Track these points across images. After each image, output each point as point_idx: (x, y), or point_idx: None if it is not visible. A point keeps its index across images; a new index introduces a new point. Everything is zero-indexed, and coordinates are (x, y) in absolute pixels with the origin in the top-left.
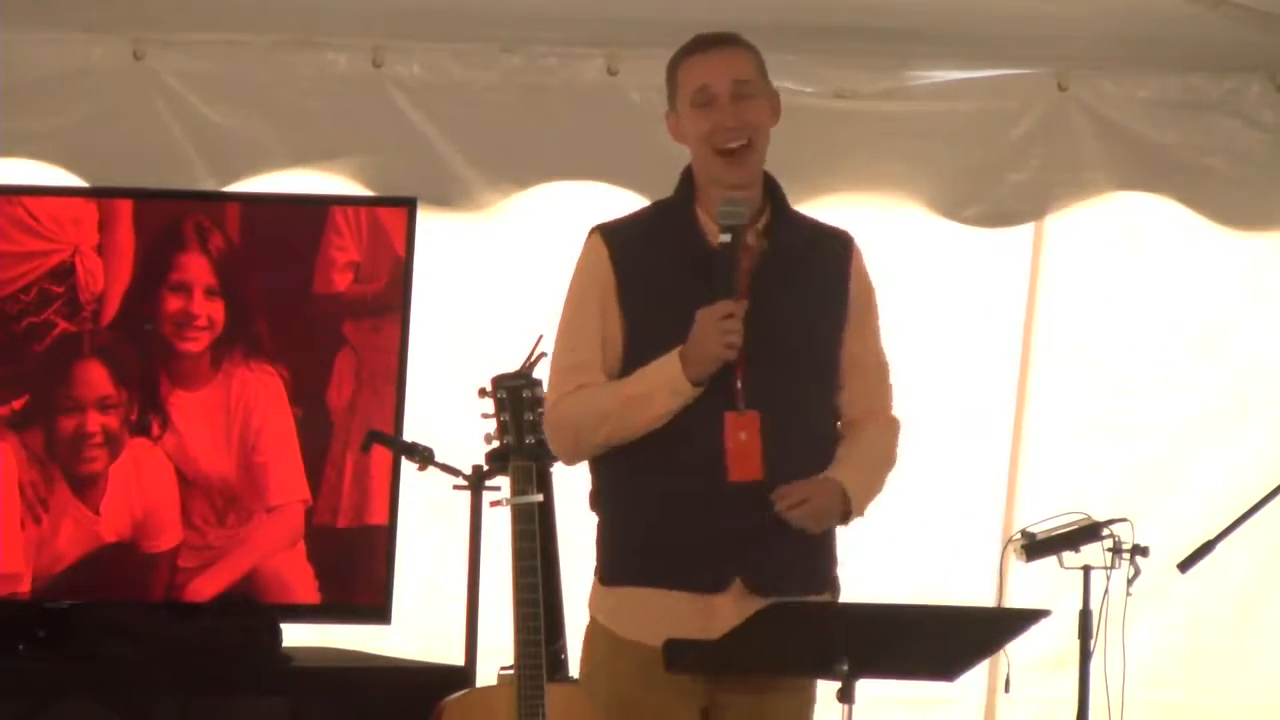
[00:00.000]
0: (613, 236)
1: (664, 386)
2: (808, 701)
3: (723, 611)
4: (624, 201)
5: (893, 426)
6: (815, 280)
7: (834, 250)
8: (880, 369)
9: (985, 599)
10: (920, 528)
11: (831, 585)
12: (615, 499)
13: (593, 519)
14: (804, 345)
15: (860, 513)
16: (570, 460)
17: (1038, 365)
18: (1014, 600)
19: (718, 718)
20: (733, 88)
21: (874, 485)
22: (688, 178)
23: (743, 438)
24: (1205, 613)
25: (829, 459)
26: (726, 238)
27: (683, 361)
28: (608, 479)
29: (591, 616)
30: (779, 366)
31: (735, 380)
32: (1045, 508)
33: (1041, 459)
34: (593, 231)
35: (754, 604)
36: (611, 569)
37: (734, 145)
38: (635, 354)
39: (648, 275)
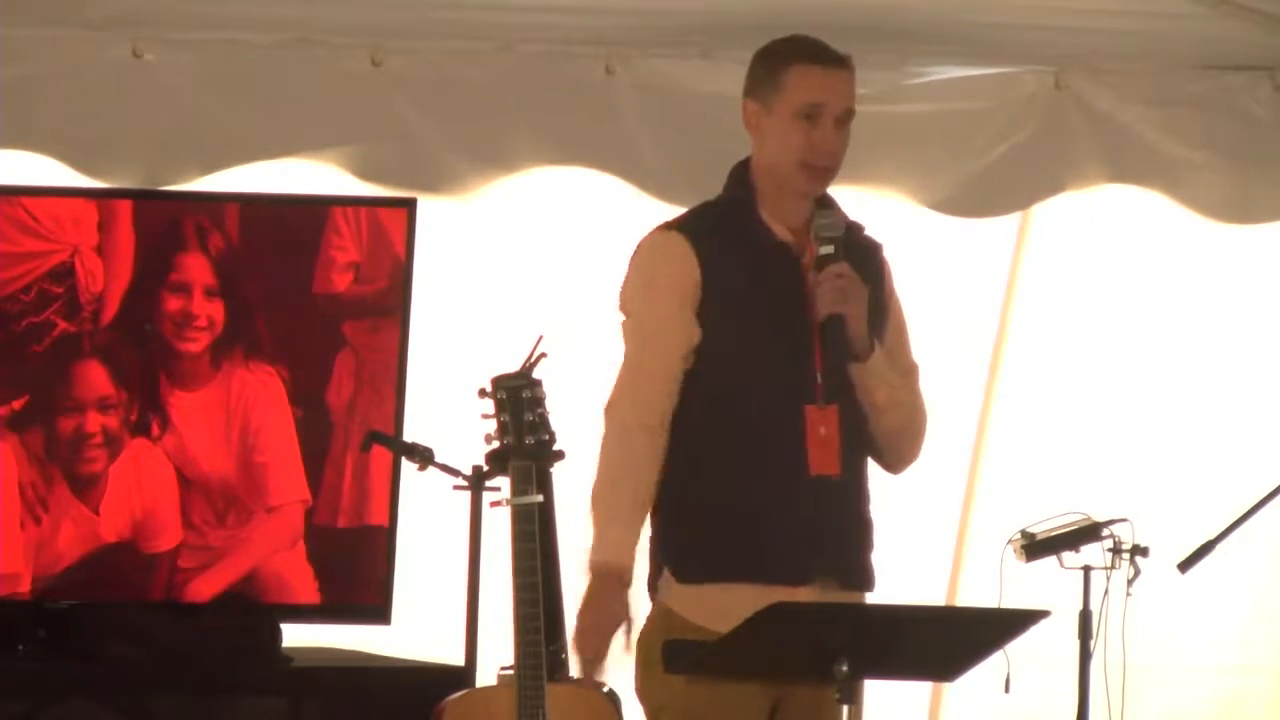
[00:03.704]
0: (691, 234)
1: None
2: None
3: None
4: (616, 188)
5: (923, 407)
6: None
7: (867, 256)
8: (911, 372)
9: (938, 596)
10: (877, 523)
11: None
12: (691, 496)
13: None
14: None
15: (871, 354)
16: None
17: (1009, 361)
18: (1008, 600)
19: (788, 706)
20: (842, 114)
21: (893, 376)
22: (741, 178)
23: (822, 432)
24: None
25: (868, 459)
26: (829, 249)
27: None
28: (680, 477)
29: (662, 604)
30: (846, 363)
31: (815, 374)
32: (1005, 506)
33: (1004, 455)
34: (667, 229)
35: (839, 597)
36: (693, 566)
37: (823, 167)
38: (707, 350)
39: (727, 273)
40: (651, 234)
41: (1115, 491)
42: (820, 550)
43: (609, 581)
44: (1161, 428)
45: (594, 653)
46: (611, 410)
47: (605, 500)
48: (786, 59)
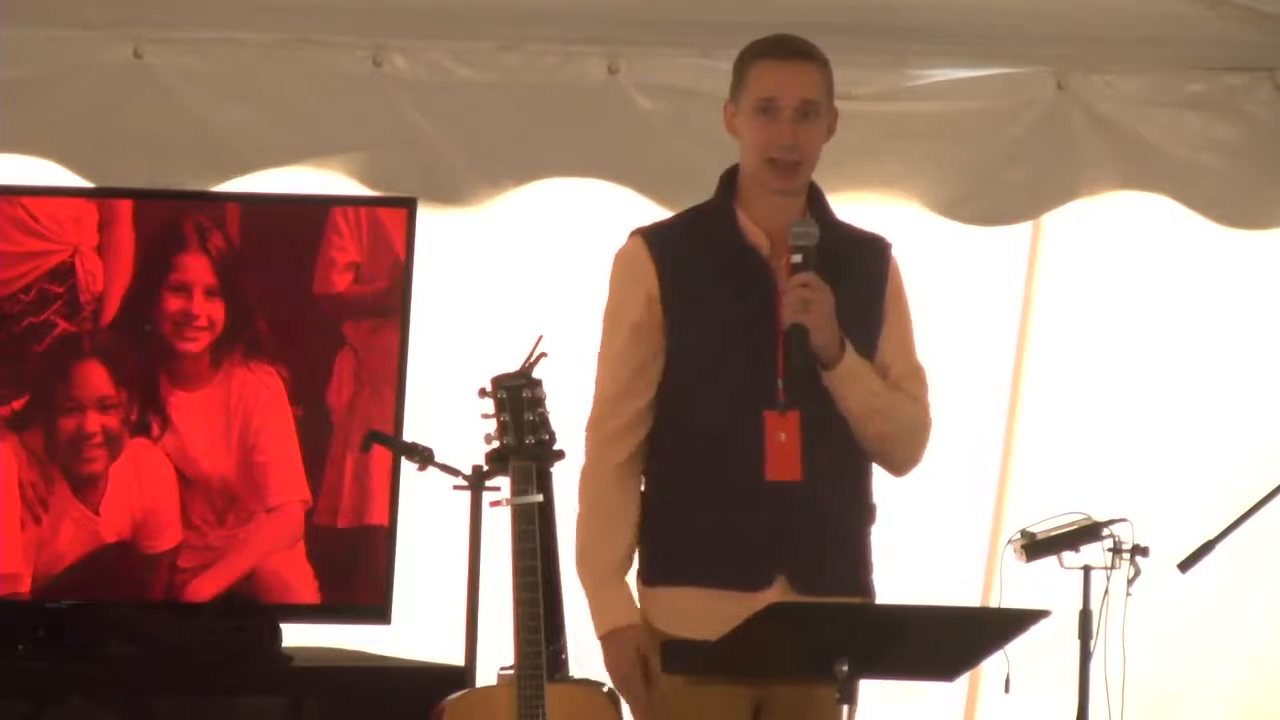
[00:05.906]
0: (654, 240)
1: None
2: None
3: None
4: (623, 199)
5: (921, 410)
6: (854, 285)
7: (872, 256)
8: (913, 374)
9: (972, 599)
10: (908, 528)
11: (867, 589)
12: (654, 500)
13: None
14: None
15: (839, 362)
16: None
17: (1032, 364)
18: (1008, 600)
19: (771, 705)
20: (799, 106)
21: (871, 382)
22: (729, 179)
23: (782, 438)
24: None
25: (863, 462)
26: (798, 258)
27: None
28: (652, 482)
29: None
30: (818, 368)
31: (776, 380)
32: (1036, 508)
33: (1033, 459)
34: (632, 234)
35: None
36: (652, 570)
37: (786, 161)
38: (674, 356)
39: (688, 276)
40: (625, 242)
41: (1115, 491)
42: (778, 555)
43: (621, 639)
44: (1162, 428)
45: (639, 695)
46: (589, 435)
47: (592, 561)
48: (749, 58)
